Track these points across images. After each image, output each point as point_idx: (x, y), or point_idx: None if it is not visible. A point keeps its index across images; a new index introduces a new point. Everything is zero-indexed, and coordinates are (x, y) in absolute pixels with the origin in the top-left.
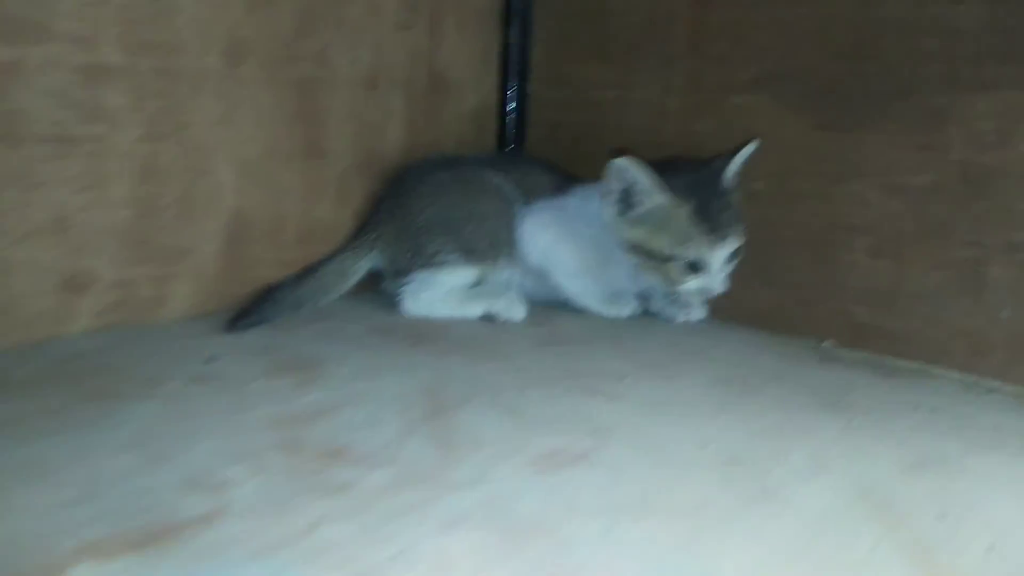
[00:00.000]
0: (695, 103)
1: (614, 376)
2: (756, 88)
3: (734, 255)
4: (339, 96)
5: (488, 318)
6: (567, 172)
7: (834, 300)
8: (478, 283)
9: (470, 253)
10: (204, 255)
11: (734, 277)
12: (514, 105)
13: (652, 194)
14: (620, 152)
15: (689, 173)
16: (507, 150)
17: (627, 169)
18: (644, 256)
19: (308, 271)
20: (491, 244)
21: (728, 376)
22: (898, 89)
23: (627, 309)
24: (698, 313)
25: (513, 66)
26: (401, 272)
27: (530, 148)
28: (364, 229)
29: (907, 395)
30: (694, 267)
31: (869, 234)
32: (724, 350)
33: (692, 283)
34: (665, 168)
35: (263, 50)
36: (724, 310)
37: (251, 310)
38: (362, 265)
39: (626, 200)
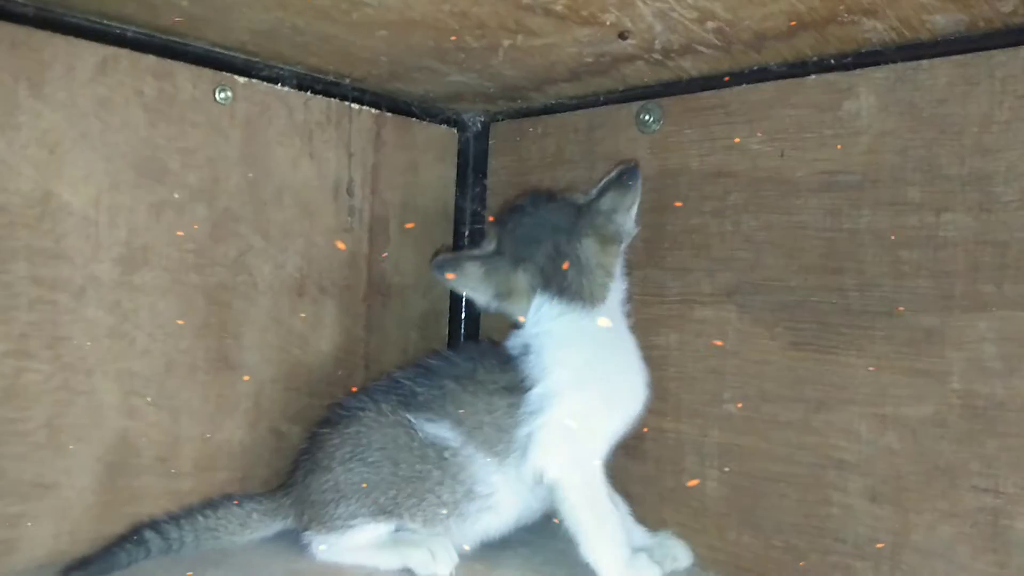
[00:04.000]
0: (655, 315)
1: None
2: (722, 301)
3: None
4: (258, 304)
5: (407, 572)
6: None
7: (830, 552)
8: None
9: (388, 512)
10: (72, 490)
11: (712, 519)
12: (464, 313)
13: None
14: None
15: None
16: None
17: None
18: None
19: (203, 508)
20: (417, 503)
21: None
22: (882, 306)
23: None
24: (684, 559)
25: None
26: (307, 527)
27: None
28: (284, 485)
29: None
30: None
31: (864, 473)
32: None
33: None
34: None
35: (167, 256)
36: (702, 557)
37: (96, 557)
38: (271, 525)
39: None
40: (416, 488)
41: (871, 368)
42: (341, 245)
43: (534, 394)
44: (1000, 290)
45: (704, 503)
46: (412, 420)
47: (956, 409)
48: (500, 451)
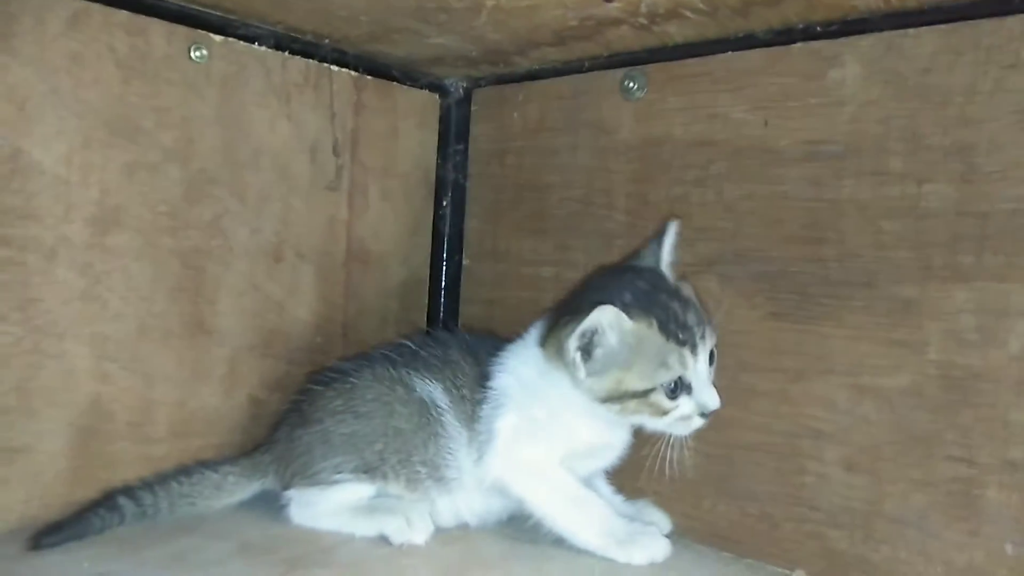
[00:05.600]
0: None
1: None
2: (702, 271)
3: (712, 358)
4: (234, 268)
5: (384, 539)
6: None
7: (804, 520)
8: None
9: (371, 470)
10: (44, 455)
11: (689, 487)
12: (445, 282)
13: (616, 328)
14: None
15: (629, 290)
16: (433, 330)
17: (606, 314)
18: (624, 400)
19: (177, 474)
20: (401, 462)
21: None
22: (861, 277)
23: (654, 549)
24: (663, 527)
25: (445, 239)
26: (289, 484)
27: (464, 326)
28: (262, 445)
29: None
30: (679, 387)
31: (840, 443)
32: None
33: (684, 407)
34: (603, 294)
35: (141, 218)
36: (679, 525)
37: (69, 522)
38: (248, 487)
39: (587, 352)
40: (404, 443)
41: (849, 339)
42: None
43: (491, 400)
44: (979, 261)
45: (680, 472)
46: (410, 375)
47: (933, 379)
48: (473, 432)
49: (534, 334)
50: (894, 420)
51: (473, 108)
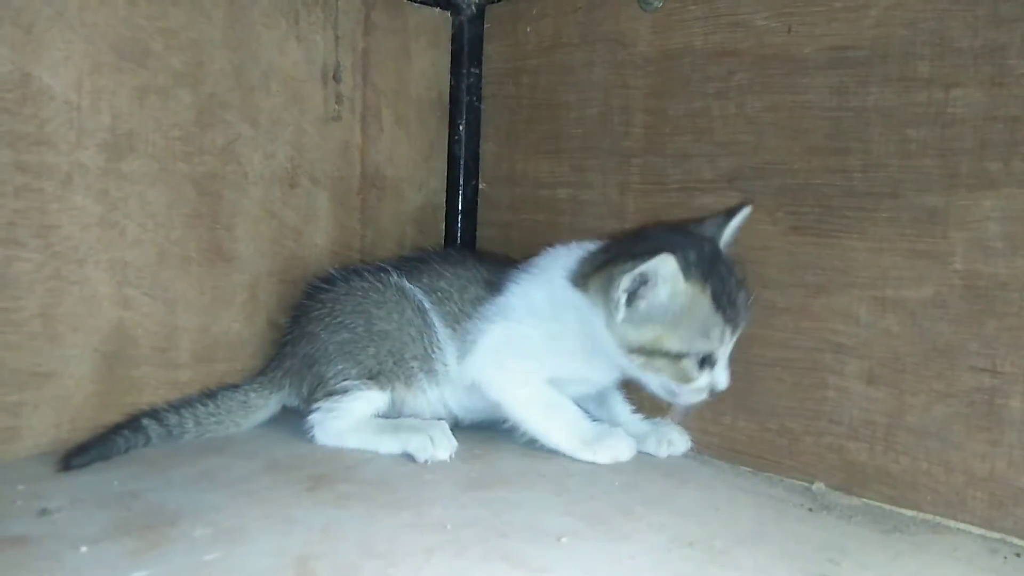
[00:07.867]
0: (656, 204)
1: (549, 536)
2: (723, 187)
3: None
4: (249, 195)
5: (408, 456)
6: (495, 257)
7: (824, 433)
8: (393, 406)
9: (374, 376)
10: (71, 379)
11: (708, 404)
12: (462, 206)
13: (669, 283)
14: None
15: (694, 251)
16: (424, 249)
17: (667, 264)
18: (652, 357)
19: (201, 396)
20: (397, 362)
21: (694, 535)
22: (886, 187)
23: (618, 449)
24: (681, 444)
25: (461, 163)
26: (308, 401)
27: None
28: (274, 359)
29: (916, 559)
30: (707, 361)
31: (861, 356)
32: (693, 495)
33: (703, 380)
34: (667, 243)
35: (154, 144)
36: (697, 441)
37: (94, 443)
38: (269, 402)
39: (630, 299)
40: (393, 343)
41: (873, 251)
42: None
43: (491, 305)
44: (1008, 167)
45: None
46: (392, 278)
47: (957, 290)
48: (458, 330)
49: (561, 267)
50: (917, 332)
51: (486, 26)
